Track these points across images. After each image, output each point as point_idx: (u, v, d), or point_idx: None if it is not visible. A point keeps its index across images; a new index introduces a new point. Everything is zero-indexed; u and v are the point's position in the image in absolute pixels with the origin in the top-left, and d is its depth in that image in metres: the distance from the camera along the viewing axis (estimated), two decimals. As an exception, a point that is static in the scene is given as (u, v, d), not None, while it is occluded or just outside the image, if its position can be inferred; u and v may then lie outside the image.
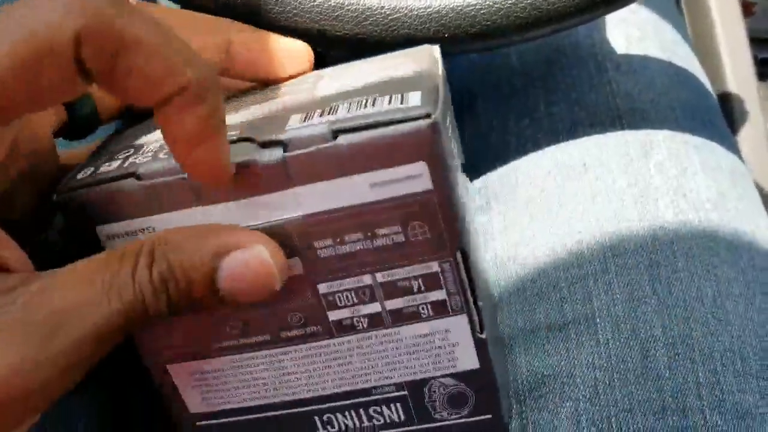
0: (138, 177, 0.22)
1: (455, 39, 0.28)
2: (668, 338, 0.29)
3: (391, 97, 0.22)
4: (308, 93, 0.25)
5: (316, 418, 0.26)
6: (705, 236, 0.31)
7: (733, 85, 0.58)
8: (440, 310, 0.24)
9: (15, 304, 0.19)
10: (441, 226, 0.22)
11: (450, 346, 0.25)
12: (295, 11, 0.28)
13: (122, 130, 0.28)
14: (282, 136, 0.22)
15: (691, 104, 0.37)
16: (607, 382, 0.28)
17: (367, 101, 0.22)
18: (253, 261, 0.21)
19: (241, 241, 0.21)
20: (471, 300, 0.24)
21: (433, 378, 0.25)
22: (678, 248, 0.31)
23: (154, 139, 0.24)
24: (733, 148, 0.38)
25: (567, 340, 0.30)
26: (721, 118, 0.40)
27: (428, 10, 0.28)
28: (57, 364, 0.19)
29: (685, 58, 0.41)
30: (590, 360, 0.29)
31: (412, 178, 0.22)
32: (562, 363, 0.29)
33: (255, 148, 0.22)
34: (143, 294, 0.20)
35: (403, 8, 0.28)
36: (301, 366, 0.25)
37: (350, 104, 0.22)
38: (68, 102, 0.24)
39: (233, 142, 0.22)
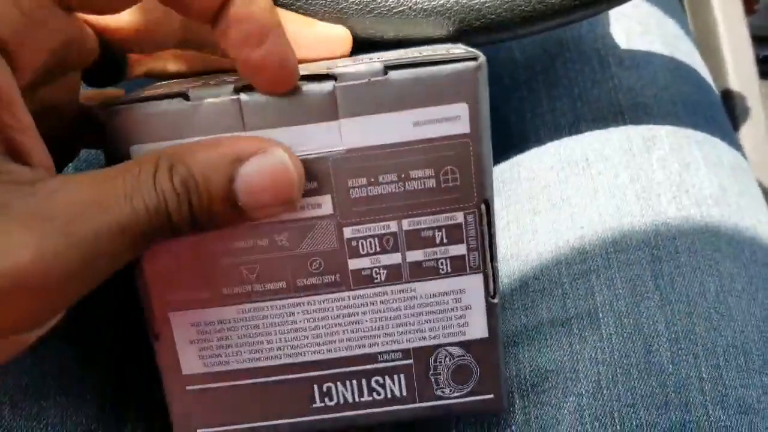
0: (186, 97, 0.22)
1: (460, 32, 0.28)
2: (671, 333, 0.29)
3: (436, 48, 0.24)
4: (351, 59, 0.26)
5: (315, 386, 0.26)
6: (707, 231, 0.32)
7: (735, 83, 0.58)
8: (458, 266, 0.25)
9: (34, 196, 0.18)
10: (471, 174, 0.24)
11: (462, 309, 0.25)
12: (299, 2, 0.28)
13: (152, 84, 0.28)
14: (333, 71, 0.23)
15: (693, 99, 0.37)
16: (610, 377, 0.28)
17: (414, 52, 0.24)
18: (271, 165, 0.21)
19: (259, 146, 0.21)
20: (489, 258, 0.25)
21: (441, 345, 0.26)
22: (680, 243, 0.31)
23: (191, 80, 0.25)
24: (735, 143, 0.38)
25: (570, 336, 0.30)
26: (722, 113, 0.40)
27: (432, 3, 0.28)
28: (77, 254, 0.18)
29: (688, 53, 0.41)
30: (593, 355, 0.29)
31: (453, 120, 0.23)
32: (565, 358, 0.30)
33: (304, 82, 0.23)
34: (166, 200, 0.20)
35: (407, 2, 0.28)
36: (311, 321, 0.25)
37: (399, 53, 0.24)
38: (104, 46, 0.24)
39: None
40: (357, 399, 0.26)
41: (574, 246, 0.32)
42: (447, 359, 0.26)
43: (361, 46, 0.29)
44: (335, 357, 0.26)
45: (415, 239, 0.24)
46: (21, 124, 0.18)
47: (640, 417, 0.28)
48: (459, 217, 0.24)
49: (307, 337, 0.25)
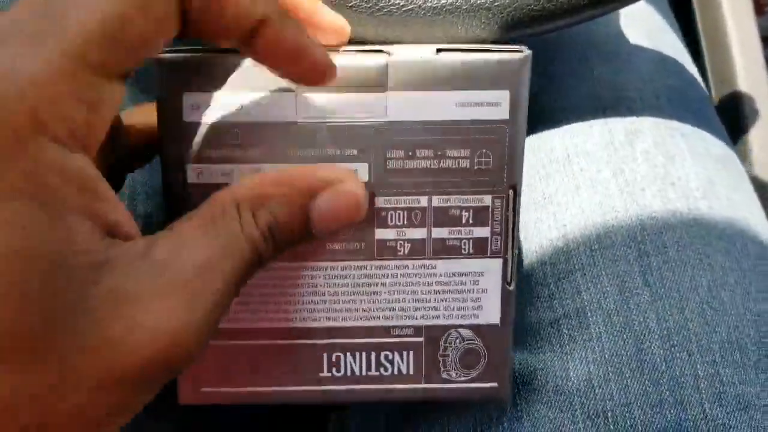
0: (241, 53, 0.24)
1: (470, 33, 0.30)
2: (663, 330, 0.29)
3: (485, 42, 0.26)
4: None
5: (325, 355, 0.27)
6: (696, 225, 0.31)
7: (744, 84, 0.58)
8: (480, 248, 0.26)
9: (155, 270, 0.19)
10: (504, 159, 0.25)
11: (479, 291, 0.26)
12: None
13: None
14: (387, 48, 0.25)
15: (677, 91, 0.37)
16: (602, 376, 0.28)
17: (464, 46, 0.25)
18: (342, 197, 0.23)
19: (329, 179, 0.23)
20: (510, 244, 0.26)
21: (453, 326, 0.27)
22: (668, 238, 0.31)
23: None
24: (722, 134, 0.38)
25: (559, 336, 0.30)
26: (709, 105, 0.40)
27: (441, 1, 0.29)
28: (212, 315, 0.20)
29: (672, 46, 0.41)
30: (583, 354, 0.29)
31: (494, 105, 0.25)
32: (555, 358, 0.29)
33: (360, 53, 0.25)
34: (256, 245, 0.21)
35: (416, 1, 0.29)
36: (331, 287, 0.26)
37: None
38: None
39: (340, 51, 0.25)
40: (364, 372, 0.27)
41: (558, 245, 0.32)
42: (457, 341, 0.27)
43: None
44: (349, 326, 0.27)
45: (443, 216, 0.26)
46: (110, 204, 0.19)
47: (635, 416, 0.27)
48: (487, 200, 0.25)
49: (325, 302, 0.26)
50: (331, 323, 0.26)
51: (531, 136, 0.36)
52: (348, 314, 0.26)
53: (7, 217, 0.17)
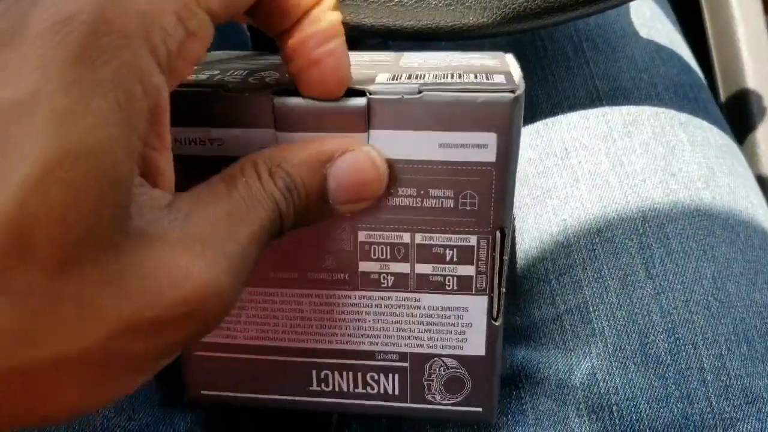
0: (226, 88, 0.24)
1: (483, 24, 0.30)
2: (667, 323, 0.28)
3: (476, 74, 0.24)
4: (392, 63, 0.27)
5: (314, 372, 0.27)
6: (698, 215, 0.31)
7: (752, 81, 0.58)
8: (465, 286, 0.26)
9: (179, 220, 0.19)
10: (491, 202, 0.24)
11: (463, 326, 0.26)
12: None
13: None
14: (370, 87, 0.24)
15: (674, 80, 0.37)
16: (606, 370, 0.28)
17: (453, 74, 0.25)
18: (360, 162, 0.23)
19: (347, 145, 0.23)
20: (497, 283, 0.25)
21: (438, 355, 0.27)
22: (670, 229, 0.30)
23: (238, 66, 0.27)
24: (720, 121, 0.38)
25: (562, 332, 0.30)
26: (707, 92, 0.39)
27: None
28: (236, 270, 0.19)
29: (667, 34, 0.41)
30: (587, 349, 0.29)
31: (480, 147, 0.24)
32: (558, 353, 0.29)
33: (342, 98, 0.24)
34: (276, 202, 0.21)
35: None
36: (317, 313, 0.27)
37: (437, 74, 0.25)
38: None
39: None
40: (351, 390, 0.28)
41: (558, 240, 0.32)
42: (441, 369, 0.27)
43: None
44: (336, 348, 0.27)
45: (426, 253, 0.25)
46: (162, 145, 0.19)
47: (640, 410, 0.27)
48: (472, 240, 0.25)
49: (312, 326, 0.27)
50: (318, 345, 0.27)
51: (528, 130, 0.36)
52: (334, 338, 0.27)
53: (92, 110, 0.16)
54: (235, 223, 0.20)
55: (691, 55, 0.41)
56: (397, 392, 0.27)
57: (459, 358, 0.27)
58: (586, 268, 0.30)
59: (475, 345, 0.26)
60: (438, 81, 0.24)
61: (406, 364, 0.27)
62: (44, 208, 0.15)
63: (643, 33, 0.39)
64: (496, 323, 0.26)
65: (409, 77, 0.24)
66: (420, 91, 0.23)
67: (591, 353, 0.29)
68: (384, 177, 0.24)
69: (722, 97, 0.57)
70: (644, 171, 0.32)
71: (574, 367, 0.29)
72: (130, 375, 0.18)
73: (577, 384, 0.28)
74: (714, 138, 0.35)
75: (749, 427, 0.27)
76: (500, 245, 0.25)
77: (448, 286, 0.26)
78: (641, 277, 0.30)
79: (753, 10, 0.60)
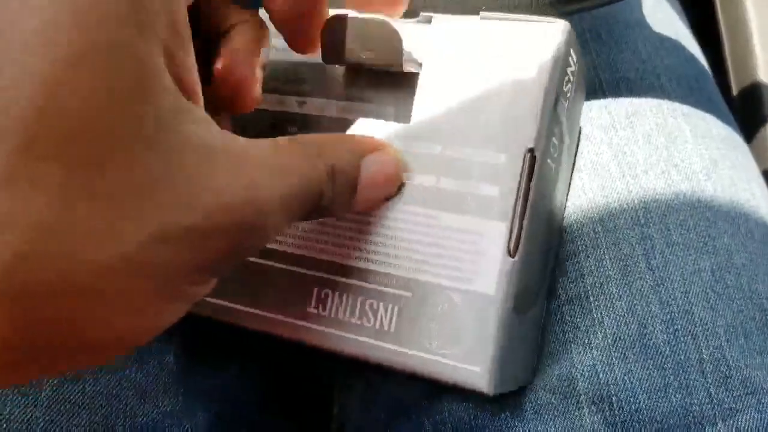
0: None
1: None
2: (666, 314, 0.29)
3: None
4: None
5: (316, 289, 0.27)
6: (700, 207, 0.31)
7: (764, 74, 0.58)
8: (486, 208, 0.25)
9: (234, 144, 0.19)
10: (528, 117, 0.25)
11: (477, 254, 0.25)
12: None
13: None
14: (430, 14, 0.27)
15: (678, 71, 0.37)
16: (605, 361, 0.29)
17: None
18: (388, 161, 0.25)
19: (377, 144, 0.25)
20: (519, 212, 0.25)
21: (444, 288, 0.25)
22: (671, 220, 0.31)
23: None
24: (724, 112, 0.38)
25: (562, 323, 0.30)
26: (711, 82, 0.40)
27: None
28: (278, 207, 0.20)
29: (672, 24, 0.41)
30: (586, 340, 0.29)
31: (527, 69, 0.25)
32: (558, 344, 0.30)
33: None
34: (321, 179, 0.22)
35: None
36: (329, 218, 0.27)
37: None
38: None
39: None
40: (347, 318, 0.26)
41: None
42: (445, 305, 0.25)
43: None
44: (341, 263, 0.27)
45: (454, 165, 0.25)
46: (189, 63, 0.19)
47: (639, 401, 0.28)
48: (502, 157, 0.25)
49: (323, 233, 0.27)
50: (325, 256, 0.27)
51: None
52: (343, 250, 0.26)
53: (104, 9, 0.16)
54: (287, 172, 0.20)
55: (697, 46, 0.41)
56: (392, 329, 0.25)
57: (466, 295, 0.25)
58: (588, 256, 0.31)
59: (486, 280, 0.24)
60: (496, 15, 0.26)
61: (409, 294, 0.25)
62: (75, 99, 0.15)
63: (647, 24, 0.40)
64: (513, 259, 0.24)
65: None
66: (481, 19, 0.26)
67: (591, 344, 0.29)
68: (401, 180, 0.26)
69: (734, 90, 0.58)
70: (646, 162, 0.33)
71: (575, 359, 0.29)
72: (178, 292, 0.18)
73: (578, 376, 0.29)
74: (717, 129, 0.36)
75: (748, 418, 0.27)
76: (530, 168, 0.25)
77: (469, 204, 0.25)
78: (642, 268, 0.30)
79: (766, 3, 0.60)
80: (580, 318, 0.30)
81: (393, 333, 0.26)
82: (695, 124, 0.35)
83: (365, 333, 0.26)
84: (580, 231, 0.32)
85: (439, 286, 0.25)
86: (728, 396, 0.27)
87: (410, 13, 0.28)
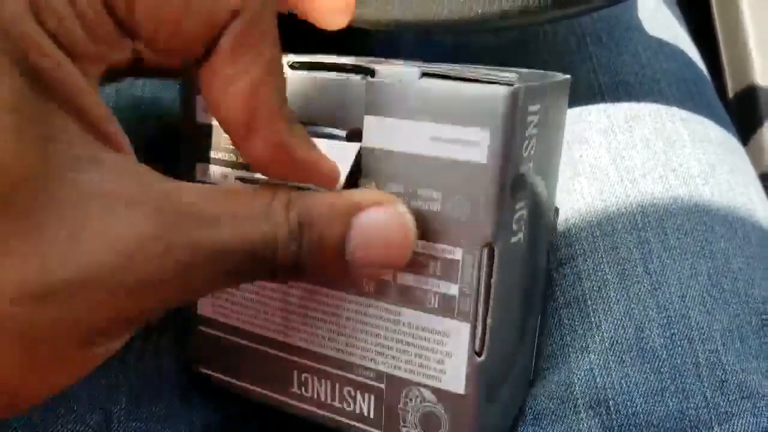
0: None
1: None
2: (663, 318, 0.29)
3: (487, 68, 0.23)
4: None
5: (296, 372, 0.27)
6: (697, 211, 0.32)
7: (760, 77, 0.58)
8: (447, 307, 0.23)
9: (140, 177, 0.17)
10: (481, 210, 0.22)
11: (442, 354, 0.24)
12: None
13: None
14: (373, 66, 0.23)
15: (677, 75, 0.38)
16: (603, 365, 0.29)
17: (461, 68, 0.23)
18: (391, 219, 0.21)
19: (380, 198, 0.21)
20: (482, 311, 0.23)
21: (414, 383, 0.25)
22: (669, 225, 0.31)
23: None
24: (722, 117, 0.38)
25: (560, 326, 0.30)
26: (710, 88, 0.40)
27: None
28: (206, 256, 0.17)
29: (671, 29, 0.41)
30: (584, 344, 0.29)
31: (472, 144, 0.21)
32: (555, 348, 0.30)
33: (341, 73, 0.23)
34: (276, 234, 0.19)
35: None
36: (302, 308, 0.26)
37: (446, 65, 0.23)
38: None
39: (326, 66, 0.24)
40: (329, 401, 0.27)
41: (559, 232, 0.32)
42: (417, 400, 0.25)
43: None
44: (317, 351, 0.26)
45: (410, 262, 0.22)
46: (102, 111, 0.18)
47: (636, 405, 0.28)
48: (458, 253, 0.23)
49: (297, 321, 0.27)
50: (303, 344, 0.27)
51: None
52: (316, 339, 0.26)
53: None
54: (208, 225, 0.18)
55: (696, 51, 0.42)
56: (372, 415, 0.26)
57: (436, 392, 0.24)
58: (586, 260, 0.31)
59: (454, 379, 0.24)
60: (443, 68, 0.22)
61: (383, 386, 0.25)
62: None
63: (647, 28, 0.40)
64: (480, 359, 0.23)
65: (413, 65, 0.23)
66: (420, 77, 0.22)
67: (588, 348, 0.29)
68: (411, 246, 0.21)
69: (730, 93, 0.58)
70: (644, 166, 0.33)
71: (572, 363, 0.29)
72: (65, 353, 0.17)
73: (575, 381, 0.29)
74: (715, 134, 0.36)
75: (744, 422, 0.27)
76: (488, 266, 0.22)
77: (429, 303, 0.23)
78: (639, 272, 0.30)
79: (762, 7, 0.60)
80: (578, 321, 0.30)
81: (373, 418, 0.26)
82: (693, 129, 0.35)
83: (347, 415, 0.26)
84: (578, 235, 0.32)
85: (410, 382, 0.25)
86: (724, 400, 0.28)
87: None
